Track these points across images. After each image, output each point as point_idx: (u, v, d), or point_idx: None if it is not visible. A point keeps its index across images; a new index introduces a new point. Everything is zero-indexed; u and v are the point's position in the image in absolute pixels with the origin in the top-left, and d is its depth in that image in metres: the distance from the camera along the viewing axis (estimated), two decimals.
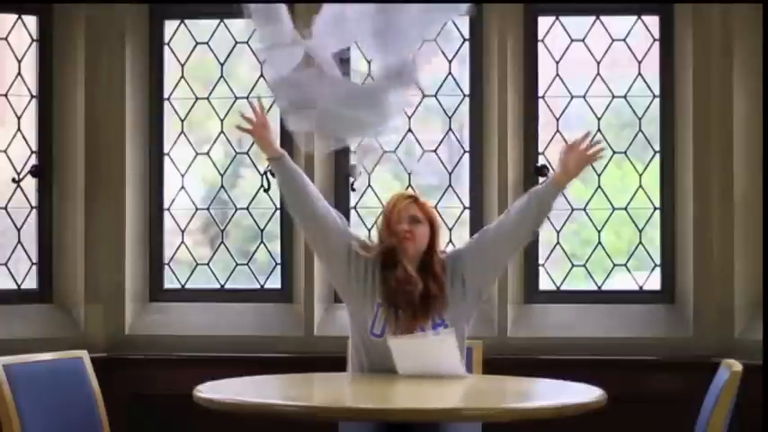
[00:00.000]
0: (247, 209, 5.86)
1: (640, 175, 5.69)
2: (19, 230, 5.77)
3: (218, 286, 5.87)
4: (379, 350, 4.28)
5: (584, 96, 5.71)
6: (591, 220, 5.71)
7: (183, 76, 5.88)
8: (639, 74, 5.69)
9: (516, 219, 4.27)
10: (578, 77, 5.72)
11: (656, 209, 5.68)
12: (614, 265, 5.71)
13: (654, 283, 5.68)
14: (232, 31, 5.86)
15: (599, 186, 5.69)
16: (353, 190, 5.74)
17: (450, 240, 5.65)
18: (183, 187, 5.88)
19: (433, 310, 4.24)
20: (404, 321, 4.24)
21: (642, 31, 5.73)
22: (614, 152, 5.68)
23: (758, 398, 5.01)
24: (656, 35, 5.69)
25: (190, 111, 5.88)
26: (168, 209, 5.89)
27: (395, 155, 5.75)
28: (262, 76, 5.51)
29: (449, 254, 4.38)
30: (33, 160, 5.77)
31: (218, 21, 5.87)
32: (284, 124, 4.28)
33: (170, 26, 5.89)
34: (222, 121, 5.83)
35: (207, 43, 5.89)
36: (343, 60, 4.20)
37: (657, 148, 5.68)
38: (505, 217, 4.32)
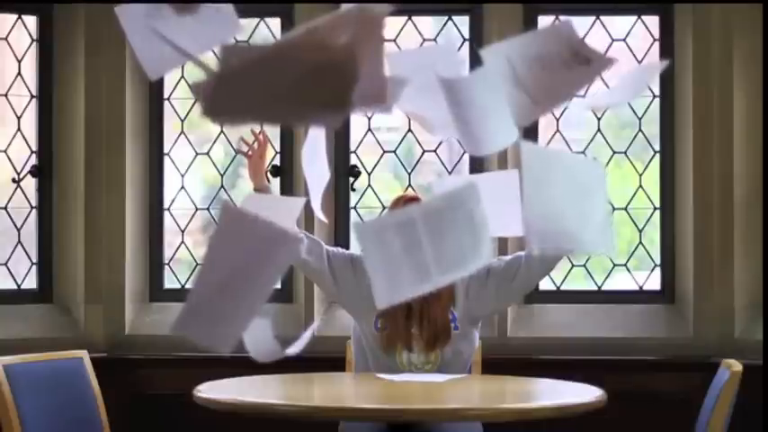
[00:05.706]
0: None
1: (640, 175, 5.69)
2: (19, 230, 5.76)
3: None
4: (384, 347, 4.32)
5: (584, 96, 5.70)
6: None
7: (182, 77, 5.87)
8: None
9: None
10: None
11: (656, 209, 5.67)
12: (614, 265, 5.70)
13: (654, 283, 5.67)
14: None
15: None
16: (353, 190, 5.74)
17: None
18: (183, 187, 5.88)
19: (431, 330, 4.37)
20: (403, 331, 4.34)
21: (642, 31, 5.72)
22: (614, 152, 5.68)
23: (758, 398, 5.00)
24: (656, 35, 5.69)
25: (190, 111, 5.88)
26: (168, 209, 5.89)
27: (395, 155, 5.75)
28: None
29: None
30: (33, 160, 5.77)
31: None
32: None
33: None
34: None
35: None
36: None
37: (657, 148, 5.67)
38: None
